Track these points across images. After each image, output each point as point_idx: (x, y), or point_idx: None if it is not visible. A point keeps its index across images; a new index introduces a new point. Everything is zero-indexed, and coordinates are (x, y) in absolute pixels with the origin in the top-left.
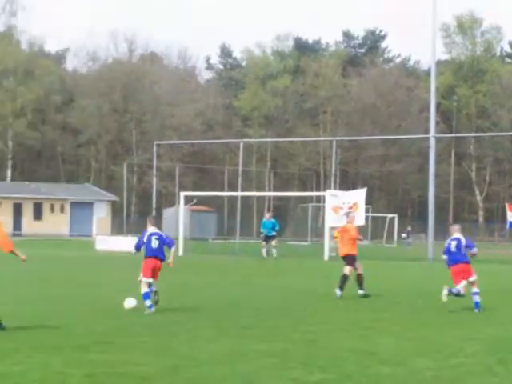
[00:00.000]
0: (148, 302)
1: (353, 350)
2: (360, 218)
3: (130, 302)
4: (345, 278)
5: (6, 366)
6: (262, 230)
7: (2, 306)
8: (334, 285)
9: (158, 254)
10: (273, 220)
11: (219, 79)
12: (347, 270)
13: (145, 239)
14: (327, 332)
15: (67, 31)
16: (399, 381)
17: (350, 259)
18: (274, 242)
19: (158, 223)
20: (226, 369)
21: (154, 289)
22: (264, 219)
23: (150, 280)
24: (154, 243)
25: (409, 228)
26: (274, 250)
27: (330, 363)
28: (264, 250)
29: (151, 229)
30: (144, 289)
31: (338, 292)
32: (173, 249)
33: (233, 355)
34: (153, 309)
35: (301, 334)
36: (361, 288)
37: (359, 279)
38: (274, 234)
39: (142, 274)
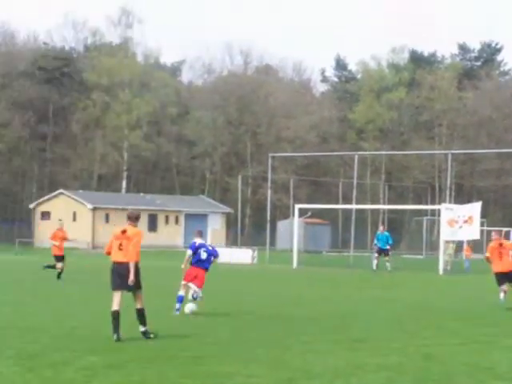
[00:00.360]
0: (177, 305)
1: (467, 365)
2: (475, 232)
3: (189, 307)
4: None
5: (123, 377)
6: (375, 243)
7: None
8: (447, 298)
9: (204, 265)
10: (386, 233)
11: (334, 92)
12: None
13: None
14: (442, 346)
15: (182, 43)
16: None
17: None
18: (387, 257)
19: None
20: (341, 382)
21: (197, 295)
22: (378, 232)
23: (188, 284)
24: (203, 255)
25: None
26: (387, 264)
27: (445, 377)
28: (375, 263)
29: (199, 240)
30: (180, 292)
31: (501, 290)
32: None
33: (347, 368)
34: (178, 313)
35: (415, 347)
36: None
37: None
38: (388, 247)
39: (183, 278)
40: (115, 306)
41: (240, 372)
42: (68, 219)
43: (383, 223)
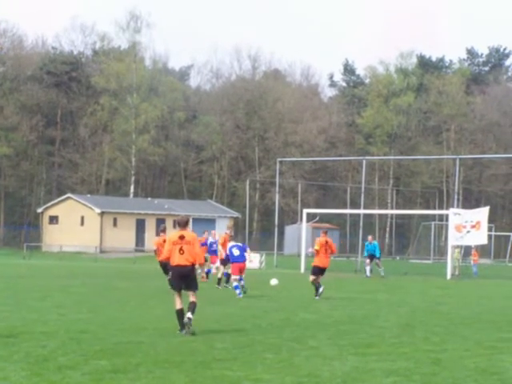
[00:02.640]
0: (238, 291)
1: (475, 370)
2: (483, 237)
3: (273, 281)
4: None
5: (130, 381)
6: (365, 255)
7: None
8: (456, 303)
9: (239, 259)
10: (375, 243)
11: (342, 96)
12: None
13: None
14: (450, 351)
15: (191, 48)
16: None
17: None
18: (378, 261)
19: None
20: None
21: (243, 283)
22: (367, 242)
23: (237, 277)
24: (236, 252)
25: None
26: (380, 270)
27: (452, 383)
28: (368, 269)
29: (231, 243)
30: (234, 283)
31: None
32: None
33: (355, 373)
34: (241, 295)
35: (423, 352)
36: None
37: None
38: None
39: (232, 274)
40: (178, 306)
41: (248, 377)
42: (76, 223)
43: (371, 234)
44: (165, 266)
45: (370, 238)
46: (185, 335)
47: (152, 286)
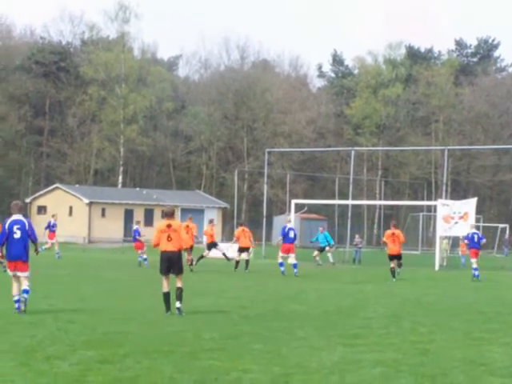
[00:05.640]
0: (282, 268)
1: (463, 361)
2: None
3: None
4: None
5: (117, 372)
6: (313, 240)
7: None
8: (444, 294)
9: (292, 240)
10: (326, 233)
11: (331, 87)
12: None
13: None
14: (438, 342)
15: (179, 38)
16: None
17: None
18: (328, 248)
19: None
20: (336, 378)
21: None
22: (318, 233)
23: (285, 255)
24: (291, 234)
25: None
26: (329, 255)
27: (440, 374)
28: (318, 259)
29: (289, 225)
30: (280, 260)
31: None
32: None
33: (343, 364)
34: (285, 273)
35: (411, 343)
36: None
37: None
38: (327, 247)
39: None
40: (165, 289)
41: (236, 367)
42: (64, 214)
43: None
44: None
45: (320, 229)
46: (169, 314)
47: (140, 276)
